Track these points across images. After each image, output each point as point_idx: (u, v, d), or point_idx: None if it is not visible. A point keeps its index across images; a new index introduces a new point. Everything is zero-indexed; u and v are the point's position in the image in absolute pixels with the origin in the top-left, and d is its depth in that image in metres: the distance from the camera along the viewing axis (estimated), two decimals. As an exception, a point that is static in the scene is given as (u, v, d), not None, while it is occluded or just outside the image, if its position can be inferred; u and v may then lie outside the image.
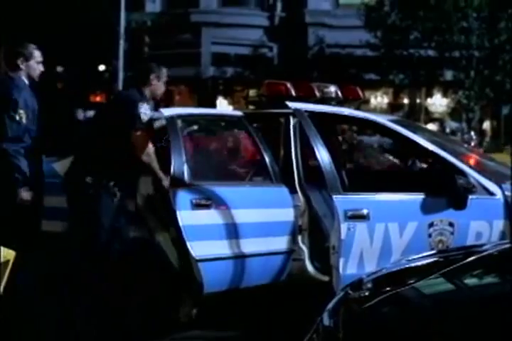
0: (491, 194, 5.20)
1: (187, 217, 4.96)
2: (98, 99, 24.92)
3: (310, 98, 5.73)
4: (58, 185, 5.18)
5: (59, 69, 22.62)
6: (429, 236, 5.11)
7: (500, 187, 5.23)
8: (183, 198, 5.00)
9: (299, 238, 5.46)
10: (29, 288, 4.99)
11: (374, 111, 21.90)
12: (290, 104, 5.47)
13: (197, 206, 5.02)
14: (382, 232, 5.07)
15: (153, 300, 5.19)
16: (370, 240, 5.06)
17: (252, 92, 6.25)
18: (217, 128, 5.89)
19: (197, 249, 4.93)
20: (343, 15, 23.61)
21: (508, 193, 5.19)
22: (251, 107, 6.30)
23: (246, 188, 5.40)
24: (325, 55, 23.79)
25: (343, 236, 5.01)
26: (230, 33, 23.87)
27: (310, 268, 5.47)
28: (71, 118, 15.48)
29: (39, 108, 5.30)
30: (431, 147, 5.38)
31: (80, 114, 17.06)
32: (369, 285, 3.46)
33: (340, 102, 6.01)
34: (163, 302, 5.18)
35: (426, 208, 5.14)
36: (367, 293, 3.34)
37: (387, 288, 3.28)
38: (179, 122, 5.26)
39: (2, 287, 3.91)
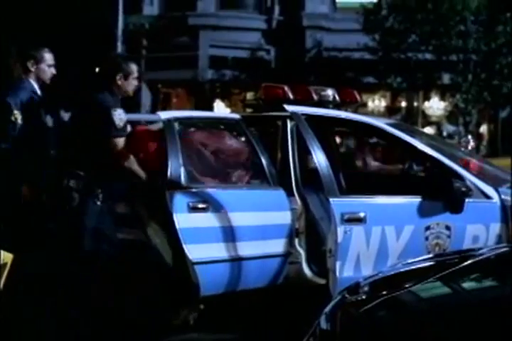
0: (488, 197, 5.21)
1: (184, 219, 4.96)
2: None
3: (307, 101, 5.74)
4: None
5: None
6: (426, 239, 5.12)
7: (497, 191, 5.24)
8: (179, 201, 5.00)
9: (296, 241, 5.46)
10: (28, 288, 4.99)
11: (371, 114, 21.91)
12: (287, 107, 5.48)
13: (194, 209, 5.02)
14: (379, 235, 5.07)
15: (149, 303, 5.18)
16: (367, 243, 5.07)
17: (249, 95, 6.28)
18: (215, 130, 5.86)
19: (194, 251, 4.93)
20: (340, 19, 23.62)
21: (504, 197, 5.20)
22: (248, 110, 6.31)
23: (243, 191, 5.40)
24: (323, 58, 23.79)
25: (339, 239, 5.01)
26: (228, 36, 23.87)
27: (307, 271, 5.47)
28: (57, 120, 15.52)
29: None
30: (428, 150, 5.39)
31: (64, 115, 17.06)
32: (366, 289, 3.46)
33: (337, 105, 6.02)
34: (159, 305, 5.17)
35: (423, 211, 5.15)
36: (364, 297, 3.34)
37: (384, 292, 3.28)
38: (176, 125, 5.26)
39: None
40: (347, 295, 3.44)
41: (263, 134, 5.76)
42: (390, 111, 24.93)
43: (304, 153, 5.58)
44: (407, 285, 3.32)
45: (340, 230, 5.02)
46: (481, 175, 5.45)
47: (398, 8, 20.81)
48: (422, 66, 21.16)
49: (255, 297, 5.46)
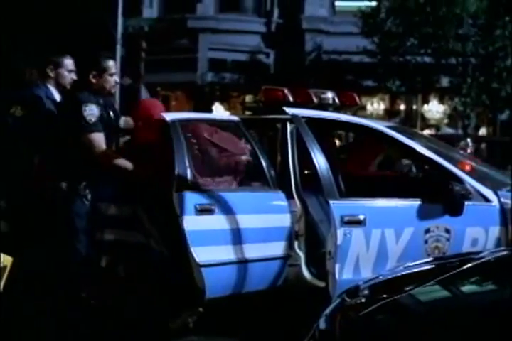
0: (487, 200, 5.22)
1: (191, 222, 4.96)
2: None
3: (307, 104, 5.74)
4: None
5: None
6: (425, 242, 5.12)
7: (497, 194, 5.24)
8: (187, 203, 4.99)
9: (296, 243, 5.46)
10: (28, 287, 4.99)
11: (370, 117, 21.92)
12: (288, 109, 5.48)
13: (201, 211, 5.02)
14: (379, 238, 5.07)
15: (149, 305, 5.17)
16: (367, 246, 5.07)
17: (248, 98, 6.27)
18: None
19: (200, 254, 4.93)
20: (340, 22, 23.65)
21: (504, 200, 5.20)
22: (248, 113, 6.31)
23: (243, 193, 5.40)
24: (322, 62, 23.82)
25: (339, 241, 5.02)
26: (227, 39, 23.88)
27: (306, 273, 5.47)
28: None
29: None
30: (427, 153, 5.40)
31: None
32: (365, 292, 3.47)
33: (337, 108, 6.03)
34: (160, 307, 5.16)
35: (422, 214, 5.15)
36: (363, 300, 3.35)
37: (384, 295, 3.29)
38: (180, 127, 5.25)
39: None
40: (346, 298, 3.45)
41: (263, 137, 5.76)
42: (389, 114, 24.96)
43: (304, 156, 5.58)
44: (406, 289, 3.33)
45: (339, 233, 5.02)
46: (480, 177, 5.45)
47: (396, 11, 20.82)
48: (420, 69, 21.16)
49: (255, 299, 5.46)
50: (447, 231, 5.14)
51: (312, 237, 5.63)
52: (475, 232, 5.16)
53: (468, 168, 5.72)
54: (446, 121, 24.24)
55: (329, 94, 5.96)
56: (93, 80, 5.21)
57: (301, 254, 5.48)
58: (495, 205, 5.20)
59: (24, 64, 19.17)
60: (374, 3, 21.69)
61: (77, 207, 5.05)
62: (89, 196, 5.08)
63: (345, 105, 6.13)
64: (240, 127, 5.56)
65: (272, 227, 5.30)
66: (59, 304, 4.96)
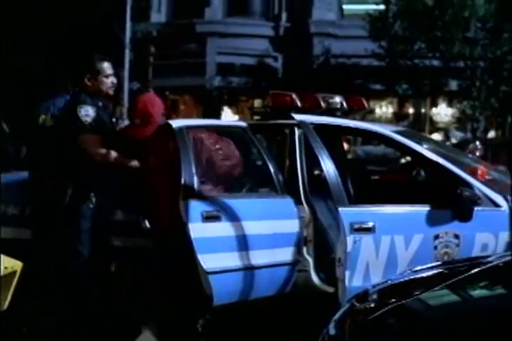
0: (497, 206, 5.19)
1: (198, 229, 4.95)
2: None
3: (315, 109, 5.73)
4: None
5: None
6: (435, 248, 5.10)
7: (506, 199, 5.22)
8: (194, 210, 4.99)
9: (304, 249, 5.45)
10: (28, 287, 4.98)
11: (379, 121, 21.91)
12: (295, 116, 5.47)
13: (207, 218, 5.02)
14: (388, 245, 5.05)
15: (158, 311, 5.17)
16: (376, 252, 5.04)
17: (256, 102, 6.28)
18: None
19: (207, 261, 4.92)
20: (348, 26, 23.68)
21: (514, 205, 5.18)
22: (256, 118, 6.30)
23: (252, 200, 5.39)
24: (330, 65, 23.82)
25: (348, 248, 5.00)
26: (235, 43, 23.94)
27: (315, 279, 5.46)
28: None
29: None
30: (436, 158, 5.37)
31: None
32: (374, 297, 3.47)
33: (345, 113, 6.01)
34: (169, 314, 5.16)
35: (431, 220, 5.13)
36: (372, 305, 3.35)
37: (393, 300, 3.29)
38: (188, 133, 5.25)
39: (9, 299, 3.90)
40: (356, 303, 3.46)
41: (271, 142, 5.75)
42: (398, 117, 24.96)
43: (312, 162, 5.57)
44: (415, 293, 3.32)
45: (349, 240, 5.00)
46: (489, 182, 5.42)
47: (404, 15, 20.82)
48: (429, 72, 21.15)
49: (263, 305, 5.45)
50: (456, 236, 5.12)
51: (321, 243, 5.61)
52: (484, 238, 5.13)
53: (477, 172, 5.68)
54: (455, 125, 24.19)
55: (337, 99, 5.95)
56: (88, 83, 5.15)
57: (310, 260, 5.47)
58: (504, 210, 5.17)
59: (24, 64, 19.24)
60: (382, 7, 21.69)
61: (83, 210, 5.03)
62: (94, 199, 5.07)
63: (353, 109, 6.11)
64: (248, 133, 5.55)
65: (280, 233, 5.29)
66: (59, 304, 4.93)
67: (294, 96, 5.71)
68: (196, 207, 5.00)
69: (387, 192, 5.76)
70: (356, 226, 5.03)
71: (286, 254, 5.29)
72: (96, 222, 5.07)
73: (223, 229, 5.06)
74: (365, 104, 6.24)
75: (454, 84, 21.72)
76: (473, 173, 5.44)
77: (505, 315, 2.85)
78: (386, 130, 5.67)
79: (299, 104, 5.68)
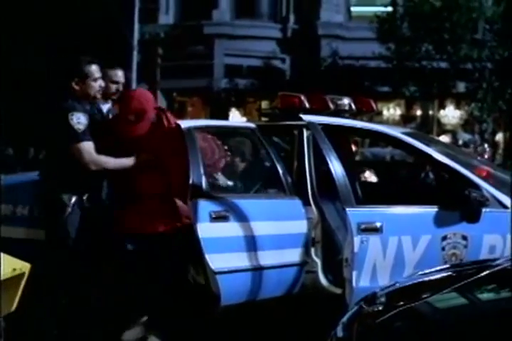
0: (505, 207, 5.18)
1: (206, 229, 4.96)
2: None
3: (324, 110, 5.74)
4: None
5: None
6: (443, 249, 5.10)
7: (515, 200, 5.21)
8: (202, 210, 4.99)
9: (312, 250, 5.46)
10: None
11: (386, 123, 21.88)
12: (304, 117, 5.48)
13: (215, 218, 5.03)
14: (396, 245, 5.06)
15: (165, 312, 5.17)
16: (383, 253, 5.05)
17: (264, 104, 6.28)
18: (230, 139, 5.88)
19: (215, 261, 4.93)
20: (355, 28, 23.66)
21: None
22: (264, 119, 6.31)
23: (260, 200, 5.40)
24: (338, 67, 23.80)
25: (356, 249, 5.00)
26: (243, 45, 23.93)
27: (323, 280, 5.47)
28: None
29: None
30: (444, 159, 5.38)
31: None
32: (383, 300, 3.46)
33: (353, 114, 6.02)
34: (174, 314, 5.16)
35: (439, 221, 5.13)
36: (380, 307, 3.35)
37: (401, 303, 3.29)
38: (196, 134, 5.26)
39: (17, 300, 3.89)
40: (364, 306, 3.46)
41: (279, 143, 5.76)
42: (405, 119, 24.90)
43: (320, 163, 5.58)
44: (423, 296, 3.32)
45: (356, 240, 5.00)
46: (497, 184, 5.42)
47: (412, 17, 20.79)
48: (437, 74, 21.11)
49: (271, 306, 5.45)
50: (464, 238, 5.12)
51: (329, 244, 5.62)
52: (492, 239, 5.13)
53: (485, 174, 5.68)
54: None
55: (345, 100, 5.95)
56: (76, 87, 5.00)
57: (318, 261, 5.48)
58: (512, 212, 5.16)
59: (24, 64, 19.25)
60: (390, 9, 21.67)
61: (74, 218, 4.90)
62: (87, 205, 4.94)
63: (361, 111, 6.12)
64: (256, 134, 5.57)
65: (288, 234, 5.30)
66: (59, 304, 4.90)
67: (302, 97, 5.72)
68: (204, 207, 5.01)
69: (395, 193, 5.77)
70: (363, 226, 5.04)
71: (294, 255, 5.31)
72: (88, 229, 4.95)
73: (231, 229, 5.07)
74: (374, 106, 6.25)
75: (461, 86, 21.66)
76: (481, 175, 5.44)
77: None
78: (395, 131, 5.68)
79: (307, 105, 5.69)
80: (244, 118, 23.04)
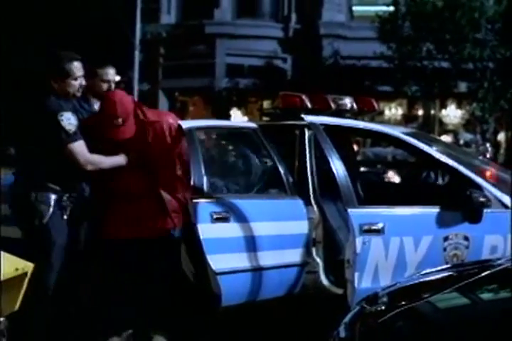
0: (507, 207, 5.17)
1: (207, 230, 4.96)
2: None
3: (325, 110, 5.73)
4: None
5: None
6: (444, 250, 5.09)
7: (516, 201, 5.20)
8: (203, 211, 5.00)
9: (313, 250, 5.46)
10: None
11: (388, 122, 21.88)
12: (306, 117, 5.47)
13: (216, 219, 5.03)
14: (397, 246, 5.05)
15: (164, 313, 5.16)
16: (385, 254, 5.04)
17: (266, 104, 6.27)
18: (232, 139, 5.89)
19: (216, 262, 4.93)
20: (357, 27, 23.65)
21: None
22: (265, 119, 6.30)
23: (261, 201, 5.40)
24: (339, 67, 23.80)
25: (358, 250, 5.00)
26: (244, 45, 23.94)
27: (324, 280, 5.47)
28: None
29: None
30: (446, 160, 5.37)
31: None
32: (384, 300, 3.46)
33: (355, 114, 6.01)
34: (175, 314, 5.15)
35: (441, 222, 5.13)
36: (382, 307, 3.34)
37: (403, 303, 3.29)
38: (197, 134, 5.25)
39: (19, 301, 3.89)
40: (366, 306, 3.45)
41: (280, 143, 5.75)
42: (407, 119, 24.89)
43: (322, 163, 5.58)
44: (425, 296, 3.32)
45: (358, 241, 5.00)
46: (499, 184, 5.41)
47: (414, 16, 20.78)
48: (438, 74, 21.10)
49: (272, 306, 5.45)
50: (466, 238, 5.11)
51: (330, 244, 5.62)
52: (494, 240, 5.12)
53: (487, 174, 5.67)
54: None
55: (347, 100, 5.95)
56: (55, 85, 4.80)
57: (319, 261, 5.48)
58: (514, 212, 5.15)
59: (24, 64, 19.23)
60: (392, 9, 21.66)
61: (56, 221, 4.72)
62: (68, 209, 4.77)
63: (363, 111, 6.11)
64: (258, 134, 5.56)
65: (289, 234, 5.30)
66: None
67: (303, 97, 5.71)
68: (205, 208, 5.01)
69: (397, 193, 5.77)
70: (365, 227, 5.03)
71: (295, 255, 5.31)
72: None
73: (232, 229, 5.07)
74: (375, 106, 6.24)
75: (463, 86, 21.64)
76: (482, 175, 5.44)
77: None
78: (396, 131, 5.67)
79: (308, 105, 5.69)
80: (246, 118, 23.04)
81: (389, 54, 21.54)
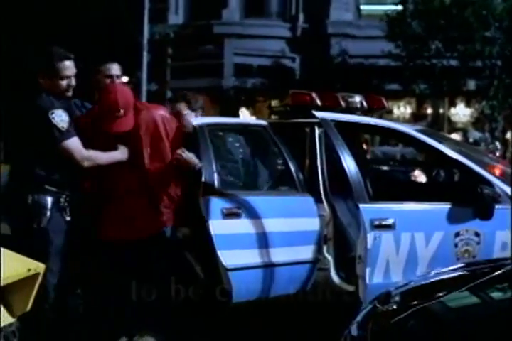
0: (517, 203, 5.17)
1: (218, 226, 4.97)
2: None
3: (335, 108, 5.74)
4: None
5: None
6: (455, 246, 5.09)
7: (527, 197, 5.20)
8: (214, 207, 5.00)
9: (324, 248, 5.47)
10: None
11: (397, 121, 21.84)
12: (317, 113, 5.48)
13: (228, 215, 5.04)
14: (408, 242, 5.05)
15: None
16: (396, 249, 5.04)
17: (274, 103, 6.26)
18: (242, 137, 5.89)
19: (227, 258, 4.94)
20: (365, 26, 23.63)
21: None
22: (274, 117, 6.31)
23: (272, 197, 5.41)
24: (348, 66, 23.78)
25: (369, 245, 5.00)
26: (252, 44, 23.95)
27: (335, 277, 5.47)
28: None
29: None
30: (457, 156, 5.37)
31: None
32: (397, 299, 3.46)
33: (364, 112, 6.01)
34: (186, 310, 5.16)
35: (452, 218, 5.12)
36: (395, 307, 3.35)
37: (415, 302, 3.28)
38: (208, 131, 5.27)
39: (31, 301, 3.88)
40: (378, 305, 3.45)
41: (291, 140, 5.76)
42: (416, 117, 24.86)
43: (332, 160, 5.58)
44: (437, 296, 3.32)
45: (369, 236, 5.00)
46: (509, 180, 5.41)
47: (422, 13, 20.74)
48: (447, 72, 21.06)
49: (283, 303, 5.46)
50: (477, 234, 5.11)
51: (341, 241, 5.62)
52: (505, 236, 5.11)
53: (497, 170, 5.67)
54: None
55: (357, 98, 5.95)
56: (41, 81, 4.65)
57: (330, 258, 5.49)
58: (525, 208, 5.15)
59: (24, 64, 19.25)
60: (400, 7, 21.63)
61: (56, 223, 4.62)
62: (68, 209, 4.68)
63: (373, 109, 6.11)
64: (268, 131, 5.57)
65: (300, 231, 5.31)
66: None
67: (313, 95, 5.72)
68: (216, 204, 5.02)
69: (408, 189, 5.77)
70: (377, 222, 5.04)
71: (306, 252, 5.31)
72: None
73: (243, 226, 5.08)
74: (385, 104, 6.24)
75: (472, 84, 21.60)
76: (493, 171, 5.43)
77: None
78: (408, 128, 5.67)
79: (318, 102, 5.69)
80: (254, 118, 23.04)
81: (397, 52, 21.51)
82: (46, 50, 4.75)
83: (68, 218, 4.67)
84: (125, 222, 4.85)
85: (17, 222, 4.68)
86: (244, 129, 5.74)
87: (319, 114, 5.46)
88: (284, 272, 5.21)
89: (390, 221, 5.06)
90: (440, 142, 5.53)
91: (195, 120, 5.28)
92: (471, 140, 21.81)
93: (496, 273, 3.53)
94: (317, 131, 5.56)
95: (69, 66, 4.67)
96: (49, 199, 4.61)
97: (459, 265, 4.38)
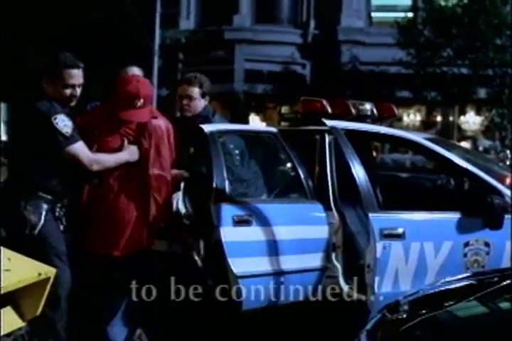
0: (527, 214, 5.15)
1: (229, 233, 4.97)
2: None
3: (346, 115, 5.74)
4: None
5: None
6: (465, 255, 5.08)
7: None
8: (225, 214, 5.01)
9: (333, 255, 5.46)
10: None
11: (406, 128, 21.83)
12: (327, 121, 5.48)
13: (238, 222, 5.04)
14: (418, 251, 5.04)
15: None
16: (406, 259, 5.03)
17: (284, 109, 6.26)
18: (252, 143, 5.89)
19: (237, 265, 4.94)
20: (376, 33, 23.64)
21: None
22: (283, 124, 6.31)
23: (282, 205, 5.41)
24: (358, 73, 23.79)
25: (378, 254, 4.99)
26: (263, 50, 23.99)
27: (344, 285, 5.46)
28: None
29: None
30: (466, 166, 5.36)
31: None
32: (406, 308, 3.46)
33: (374, 120, 6.01)
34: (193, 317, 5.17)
35: (461, 227, 5.11)
36: (404, 316, 3.34)
37: (424, 311, 3.28)
38: (219, 138, 5.27)
39: (41, 305, 3.89)
40: (387, 314, 3.45)
41: (300, 148, 5.76)
42: (426, 125, 24.84)
43: (342, 168, 5.58)
44: (446, 305, 3.31)
45: (379, 245, 4.99)
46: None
47: (433, 22, 20.74)
48: (457, 80, 21.05)
49: (291, 311, 5.45)
50: (487, 244, 5.10)
51: (350, 249, 5.61)
52: (515, 246, 5.10)
53: (507, 180, 5.65)
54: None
55: (367, 106, 5.94)
56: (44, 85, 4.52)
57: (339, 266, 5.47)
58: (535, 218, 5.13)
59: (24, 64, 19.29)
60: (410, 15, 21.65)
61: (51, 231, 4.52)
62: (64, 219, 4.61)
63: (383, 116, 6.10)
64: (278, 138, 5.57)
65: (309, 239, 5.30)
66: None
67: (324, 102, 5.71)
68: (227, 211, 5.02)
69: (418, 198, 5.75)
70: (386, 232, 5.03)
71: (315, 260, 5.30)
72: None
73: (254, 233, 5.07)
74: (396, 112, 6.23)
75: (482, 92, 21.58)
76: (503, 181, 5.42)
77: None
78: (418, 137, 5.66)
79: (329, 110, 5.69)
80: (264, 124, 23.06)
81: (408, 60, 21.51)
82: (54, 54, 4.58)
83: (62, 227, 4.57)
84: (110, 236, 4.75)
85: (10, 226, 4.58)
86: (254, 136, 5.73)
87: (330, 122, 5.46)
88: (293, 279, 5.20)
89: (399, 230, 5.06)
90: (450, 151, 5.52)
91: (207, 127, 5.27)
92: (480, 148, 21.80)
93: (504, 282, 3.52)
94: (327, 138, 5.56)
95: (75, 74, 4.50)
96: (43, 206, 4.50)
97: (467, 274, 4.38)
